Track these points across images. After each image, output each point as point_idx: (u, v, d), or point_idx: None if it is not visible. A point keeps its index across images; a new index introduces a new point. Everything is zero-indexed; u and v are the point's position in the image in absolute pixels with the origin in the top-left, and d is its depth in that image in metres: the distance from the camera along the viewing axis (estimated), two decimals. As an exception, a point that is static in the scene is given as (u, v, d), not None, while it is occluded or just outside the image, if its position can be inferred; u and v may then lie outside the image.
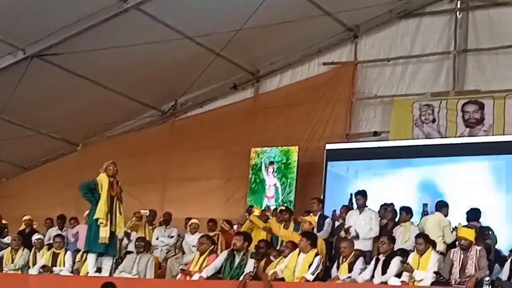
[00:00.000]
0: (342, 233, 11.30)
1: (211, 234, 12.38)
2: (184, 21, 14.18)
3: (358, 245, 10.86)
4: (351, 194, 12.07)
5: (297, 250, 10.35)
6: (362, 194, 11.46)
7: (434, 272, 9.36)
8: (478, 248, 9.55)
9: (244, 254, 10.61)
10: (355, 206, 11.70)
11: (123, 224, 11.49)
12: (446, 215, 11.21)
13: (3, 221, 14.55)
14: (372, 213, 11.24)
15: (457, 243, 10.08)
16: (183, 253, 12.81)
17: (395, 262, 9.77)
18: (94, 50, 14.06)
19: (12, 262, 12.84)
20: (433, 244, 10.13)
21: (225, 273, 10.58)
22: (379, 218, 11.39)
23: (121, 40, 13.96)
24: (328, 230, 11.79)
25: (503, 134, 13.40)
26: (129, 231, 13.07)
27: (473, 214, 10.99)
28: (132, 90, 16.12)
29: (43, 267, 12.22)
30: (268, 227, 11.97)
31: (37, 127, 16.48)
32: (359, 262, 10.31)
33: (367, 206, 11.39)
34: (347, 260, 10.34)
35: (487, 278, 8.95)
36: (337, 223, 11.88)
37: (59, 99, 15.80)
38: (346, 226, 11.23)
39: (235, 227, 12.66)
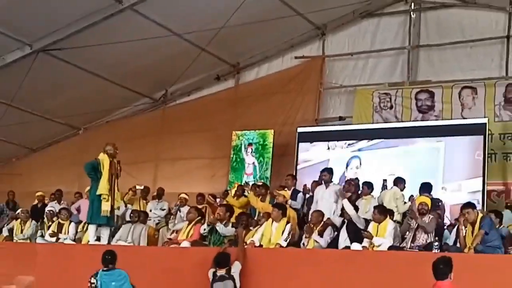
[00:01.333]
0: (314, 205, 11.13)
1: (199, 206, 12.36)
2: (173, 20, 14.08)
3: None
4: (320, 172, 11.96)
5: (270, 219, 10.32)
6: (328, 171, 11.43)
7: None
8: (431, 216, 9.62)
9: (225, 224, 10.60)
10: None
11: (120, 199, 11.43)
12: (402, 189, 11.26)
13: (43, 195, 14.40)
14: (336, 187, 11.20)
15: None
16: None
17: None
18: (93, 46, 13.95)
19: (21, 232, 12.79)
20: (391, 213, 10.18)
21: (209, 240, 10.61)
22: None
23: (117, 37, 13.87)
24: (300, 202, 11.81)
25: (451, 119, 13.49)
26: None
27: (426, 187, 11.04)
28: (128, 81, 16.02)
29: (52, 233, 12.21)
30: (246, 201, 11.95)
31: (44, 113, 16.37)
32: (328, 230, 10.29)
33: (332, 182, 11.37)
34: (317, 228, 10.30)
35: (436, 243, 9.01)
36: (307, 196, 11.90)
37: (63, 89, 15.69)
38: (315, 198, 11.16)
39: (217, 200, 12.66)
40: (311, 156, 14.06)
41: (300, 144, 14.19)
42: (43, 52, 14.30)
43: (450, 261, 6.67)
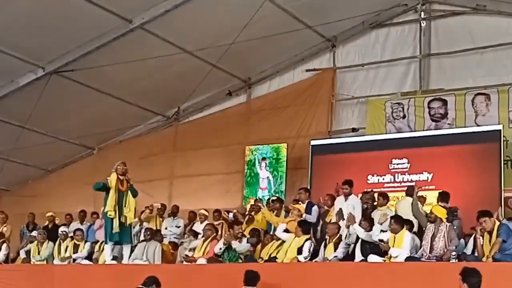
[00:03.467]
0: (334, 217, 11.06)
1: (216, 223, 12.34)
2: (183, 37, 14.14)
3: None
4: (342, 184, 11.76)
5: (293, 235, 10.37)
6: (349, 184, 11.30)
7: None
8: (448, 224, 9.55)
9: (240, 240, 10.57)
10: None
11: (133, 216, 11.40)
12: (415, 197, 11.19)
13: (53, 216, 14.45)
14: (355, 201, 11.17)
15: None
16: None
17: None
18: (105, 66, 14.04)
19: (39, 254, 12.82)
20: (408, 224, 10.09)
21: (225, 257, 10.58)
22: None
23: (129, 56, 13.93)
24: (315, 215, 11.76)
25: (465, 126, 13.42)
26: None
27: (443, 197, 10.97)
28: (140, 99, 16.08)
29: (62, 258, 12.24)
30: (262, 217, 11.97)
31: (58, 134, 16.46)
32: (343, 242, 10.27)
33: (351, 194, 11.31)
34: (333, 240, 10.30)
35: (454, 252, 8.94)
36: (322, 210, 11.84)
37: (76, 109, 15.76)
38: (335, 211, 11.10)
39: (230, 215, 12.62)
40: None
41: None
42: (56, 73, 14.40)
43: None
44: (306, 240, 10.25)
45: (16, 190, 17.89)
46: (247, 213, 12.67)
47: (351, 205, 10.94)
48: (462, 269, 6.18)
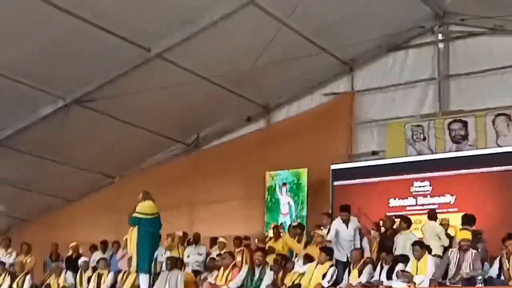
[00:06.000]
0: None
1: (237, 250, 12.32)
2: (201, 64, 14.22)
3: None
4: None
5: (315, 262, 10.36)
6: (346, 209, 11.23)
7: None
8: (474, 251, 9.47)
9: (262, 267, 10.56)
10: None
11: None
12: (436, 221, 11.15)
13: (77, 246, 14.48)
14: (356, 224, 11.18)
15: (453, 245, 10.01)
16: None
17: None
18: (124, 94, 14.15)
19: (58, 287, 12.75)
20: (429, 249, 10.04)
21: (247, 286, 10.55)
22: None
23: (147, 85, 14.03)
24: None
25: (486, 147, 13.33)
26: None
27: (467, 220, 10.89)
28: (160, 127, 16.15)
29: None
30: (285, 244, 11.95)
31: (78, 163, 16.51)
32: (368, 268, 10.27)
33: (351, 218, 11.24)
34: (357, 266, 10.31)
35: (479, 277, 8.86)
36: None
37: (96, 138, 15.86)
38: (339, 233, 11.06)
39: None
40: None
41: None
42: (76, 103, 14.55)
43: None
44: (330, 266, 10.21)
45: (38, 220, 17.96)
46: (267, 239, 12.66)
47: (352, 229, 10.97)
48: None
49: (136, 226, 11.14)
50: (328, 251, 10.48)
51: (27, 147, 15.56)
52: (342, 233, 11.01)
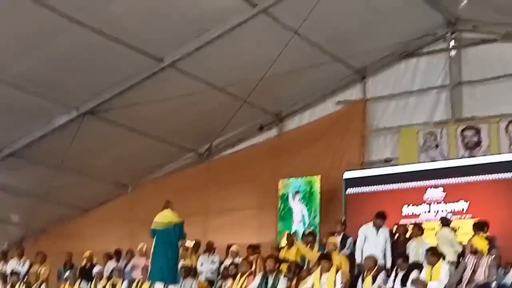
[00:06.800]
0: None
1: (251, 258, 12.35)
2: (213, 73, 14.33)
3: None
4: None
5: (318, 270, 10.35)
6: (382, 216, 11.22)
7: None
8: (490, 257, 9.45)
9: (276, 275, 10.57)
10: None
11: None
12: (450, 227, 11.12)
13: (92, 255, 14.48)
14: (386, 233, 11.15)
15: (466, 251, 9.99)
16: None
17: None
18: (137, 104, 14.26)
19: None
20: (442, 255, 10.01)
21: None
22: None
23: (160, 94, 14.13)
24: (351, 248, 11.71)
25: (499, 153, 13.29)
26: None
27: (480, 226, 10.86)
28: (173, 136, 16.23)
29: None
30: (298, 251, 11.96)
31: (92, 173, 16.61)
32: (382, 275, 10.27)
33: (383, 226, 11.24)
34: (371, 273, 10.30)
35: (494, 283, 8.83)
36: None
37: (110, 148, 15.95)
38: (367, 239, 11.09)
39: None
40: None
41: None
42: (90, 114, 14.67)
43: None
44: (336, 271, 10.19)
45: (53, 230, 18.07)
46: (281, 247, 12.66)
47: (382, 237, 10.95)
48: None
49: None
50: (327, 258, 10.44)
51: (41, 157, 15.67)
52: (370, 238, 11.01)
